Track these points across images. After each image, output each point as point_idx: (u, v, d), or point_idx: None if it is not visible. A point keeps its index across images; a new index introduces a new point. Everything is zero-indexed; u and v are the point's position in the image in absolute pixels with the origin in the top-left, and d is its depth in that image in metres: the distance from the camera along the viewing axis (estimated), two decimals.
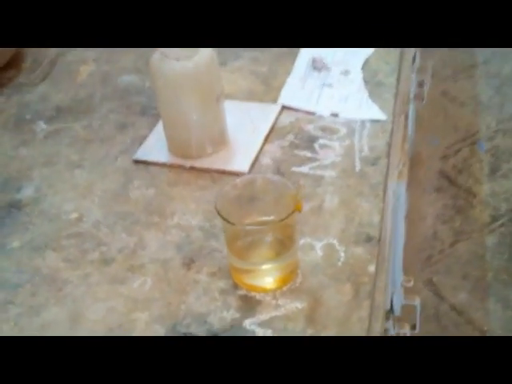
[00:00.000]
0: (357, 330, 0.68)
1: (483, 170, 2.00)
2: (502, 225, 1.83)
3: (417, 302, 1.28)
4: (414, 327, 1.29)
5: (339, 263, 0.75)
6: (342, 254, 0.76)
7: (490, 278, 1.71)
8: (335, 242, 0.77)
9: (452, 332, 1.60)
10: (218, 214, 0.68)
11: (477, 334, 1.59)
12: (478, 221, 1.86)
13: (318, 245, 0.77)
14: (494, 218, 1.85)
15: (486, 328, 1.60)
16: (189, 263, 0.77)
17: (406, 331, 1.15)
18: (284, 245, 0.72)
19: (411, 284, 1.24)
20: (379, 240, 0.78)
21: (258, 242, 0.73)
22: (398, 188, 1.09)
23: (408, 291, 1.27)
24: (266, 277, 0.73)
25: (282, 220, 0.68)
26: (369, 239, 0.77)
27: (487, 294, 1.67)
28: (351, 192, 0.84)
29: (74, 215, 0.85)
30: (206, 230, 0.81)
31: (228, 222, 0.68)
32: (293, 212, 0.68)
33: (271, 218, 0.73)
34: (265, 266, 0.72)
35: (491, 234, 1.81)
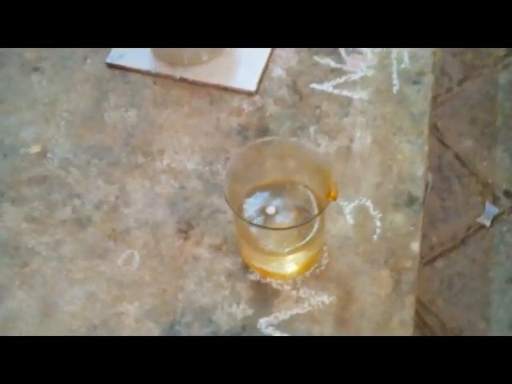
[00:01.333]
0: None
1: None
2: None
3: (429, 178, 1.15)
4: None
5: (375, 237, 0.60)
6: (378, 224, 0.61)
7: (499, 122, 1.57)
8: (369, 203, 0.62)
9: (454, 184, 1.50)
10: (228, 204, 0.52)
11: (480, 187, 1.49)
12: (492, 53, 1.66)
13: (348, 207, 0.62)
14: (511, 51, 1.66)
15: (490, 180, 1.50)
16: (186, 230, 0.61)
17: None
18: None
19: None
20: (423, 203, 0.62)
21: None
22: None
23: None
24: (286, 263, 0.58)
25: (312, 219, 0.52)
26: (411, 201, 0.62)
27: (495, 141, 1.54)
28: (387, 126, 0.66)
29: (36, 149, 0.66)
30: (206, 180, 0.64)
31: (242, 218, 0.52)
32: (327, 203, 0.52)
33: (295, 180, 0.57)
34: (284, 251, 0.57)
35: (505, 70, 1.63)
